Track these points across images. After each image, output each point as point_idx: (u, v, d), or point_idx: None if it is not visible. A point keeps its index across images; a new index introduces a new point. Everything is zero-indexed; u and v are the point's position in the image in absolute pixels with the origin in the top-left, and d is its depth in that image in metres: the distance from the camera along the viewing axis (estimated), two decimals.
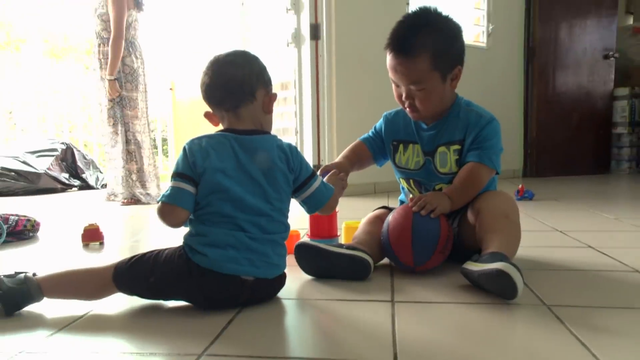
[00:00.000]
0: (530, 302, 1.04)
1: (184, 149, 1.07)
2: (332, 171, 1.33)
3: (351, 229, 1.53)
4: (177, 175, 1.05)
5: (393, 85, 1.36)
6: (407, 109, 1.36)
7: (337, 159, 1.51)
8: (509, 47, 4.23)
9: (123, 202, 3.07)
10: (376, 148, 1.51)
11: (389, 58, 1.31)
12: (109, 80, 2.98)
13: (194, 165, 1.04)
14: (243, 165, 1.05)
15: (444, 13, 1.32)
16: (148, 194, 3.11)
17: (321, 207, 1.17)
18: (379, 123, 1.53)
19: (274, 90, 1.17)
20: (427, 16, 1.30)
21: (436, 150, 1.38)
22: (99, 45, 3.04)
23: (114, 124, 3.09)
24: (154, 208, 2.86)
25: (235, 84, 1.09)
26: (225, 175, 1.03)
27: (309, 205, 1.16)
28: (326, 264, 1.22)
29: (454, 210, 1.31)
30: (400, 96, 1.34)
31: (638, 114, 4.59)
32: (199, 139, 1.08)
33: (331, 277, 1.24)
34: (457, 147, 1.35)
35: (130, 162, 3.10)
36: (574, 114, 4.44)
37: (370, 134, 1.54)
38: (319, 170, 1.43)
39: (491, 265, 1.02)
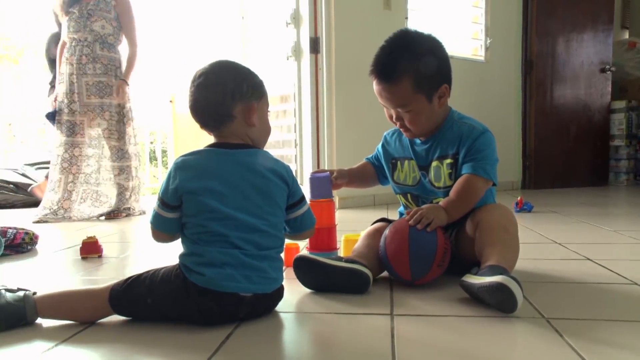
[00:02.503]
0: (529, 314, 1.04)
1: (170, 171, 1.07)
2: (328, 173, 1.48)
3: (350, 241, 1.53)
4: (158, 199, 1.08)
5: (384, 108, 1.39)
6: (401, 128, 1.40)
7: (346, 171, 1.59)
8: (506, 60, 4.27)
9: (108, 216, 3.01)
10: (379, 167, 1.58)
11: (374, 84, 1.34)
12: (125, 83, 3.01)
13: (175, 190, 1.04)
14: (233, 180, 1.04)
15: (425, 32, 1.34)
16: (131, 208, 3.12)
17: (304, 231, 1.18)
18: (380, 144, 1.57)
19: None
20: (407, 39, 1.32)
21: (430, 165, 1.39)
22: (102, 49, 2.96)
23: (118, 137, 3.04)
24: (138, 220, 2.91)
25: (211, 108, 1.07)
26: (214, 194, 1.02)
27: (293, 226, 1.16)
28: (325, 278, 1.22)
29: (452, 223, 1.31)
30: (391, 117, 1.38)
31: (635, 126, 4.62)
32: (186, 156, 1.07)
33: (330, 290, 1.23)
34: (449, 161, 1.35)
35: (127, 178, 3.08)
36: (572, 126, 4.46)
37: (374, 154, 1.61)
38: (311, 172, 1.53)
39: (491, 279, 1.02)
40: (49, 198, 2.99)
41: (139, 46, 3.07)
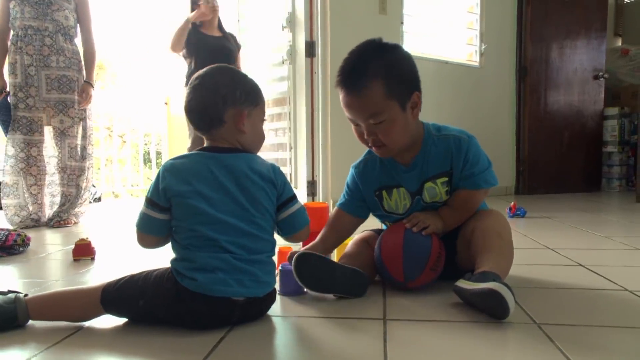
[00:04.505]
0: (521, 320, 1.04)
1: (159, 172, 1.07)
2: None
3: (343, 246, 1.52)
4: (147, 200, 1.07)
5: (352, 126, 1.27)
6: (372, 147, 1.27)
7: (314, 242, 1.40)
8: (501, 66, 4.29)
9: (66, 223, 2.75)
10: (357, 209, 1.41)
11: (341, 96, 1.23)
12: (91, 87, 2.82)
13: (164, 191, 1.03)
14: (221, 184, 1.03)
15: (390, 42, 1.26)
16: (79, 213, 2.90)
17: (296, 232, 1.15)
18: (350, 179, 1.42)
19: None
20: (373, 46, 1.23)
21: (423, 187, 1.32)
22: (65, 41, 2.73)
23: (83, 135, 2.82)
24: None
25: (202, 110, 1.08)
26: (202, 198, 1.02)
27: (284, 227, 1.13)
28: (328, 276, 1.19)
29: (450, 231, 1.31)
30: (361, 135, 1.25)
31: (628, 133, 4.65)
32: (175, 159, 1.08)
33: (328, 290, 1.21)
34: (444, 179, 1.30)
35: (86, 179, 2.88)
36: (565, 132, 4.49)
37: (345, 196, 1.44)
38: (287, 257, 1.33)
39: (483, 285, 1.02)
40: (8, 204, 2.70)
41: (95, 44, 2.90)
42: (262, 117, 1.16)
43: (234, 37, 3.38)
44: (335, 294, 1.22)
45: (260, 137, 1.16)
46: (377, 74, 1.18)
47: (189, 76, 3.14)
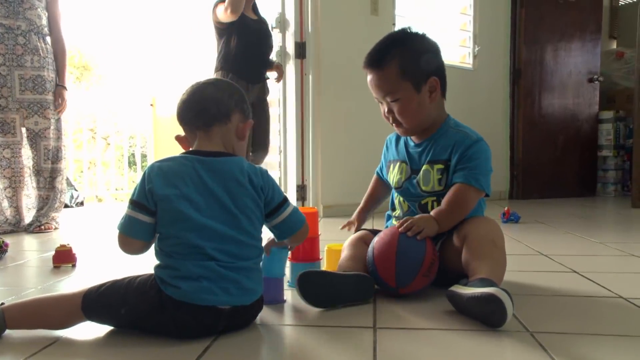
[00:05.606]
0: (513, 328, 1.01)
1: (144, 174, 1.04)
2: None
3: (334, 252, 1.49)
4: (132, 202, 1.03)
5: (380, 105, 1.40)
6: (393, 124, 1.39)
7: (361, 204, 1.63)
8: (494, 68, 4.28)
9: (46, 228, 2.69)
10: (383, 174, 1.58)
11: (367, 75, 1.37)
12: (65, 90, 2.76)
13: (150, 192, 1.00)
14: (207, 189, 1.01)
15: (420, 32, 1.38)
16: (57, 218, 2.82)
17: (293, 234, 1.12)
18: (384, 146, 1.58)
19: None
20: (401, 33, 1.37)
21: (420, 169, 1.38)
22: (38, 40, 2.64)
23: (58, 137, 2.76)
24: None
25: (212, 102, 1.08)
26: (187, 202, 0.99)
27: (281, 231, 1.12)
28: (333, 290, 1.16)
29: (440, 233, 1.29)
30: (384, 113, 1.38)
31: (623, 137, 4.63)
32: (161, 162, 1.05)
33: (337, 303, 1.17)
34: (440, 166, 1.34)
35: (62, 180, 2.80)
36: (560, 136, 4.47)
37: (382, 161, 1.60)
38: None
39: (482, 290, 1.00)
40: None
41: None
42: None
43: (266, 22, 3.13)
44: (344, 304, 1.19)
45: (244, 149, 1.18)
46: (394, 55, 1.32)
47: (225, 56, 2.83)
